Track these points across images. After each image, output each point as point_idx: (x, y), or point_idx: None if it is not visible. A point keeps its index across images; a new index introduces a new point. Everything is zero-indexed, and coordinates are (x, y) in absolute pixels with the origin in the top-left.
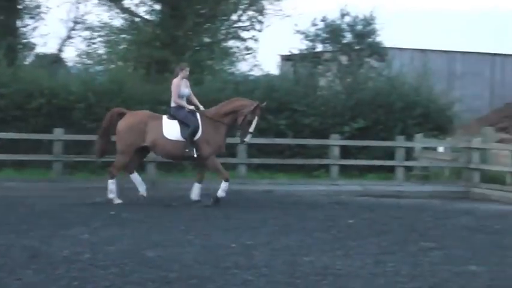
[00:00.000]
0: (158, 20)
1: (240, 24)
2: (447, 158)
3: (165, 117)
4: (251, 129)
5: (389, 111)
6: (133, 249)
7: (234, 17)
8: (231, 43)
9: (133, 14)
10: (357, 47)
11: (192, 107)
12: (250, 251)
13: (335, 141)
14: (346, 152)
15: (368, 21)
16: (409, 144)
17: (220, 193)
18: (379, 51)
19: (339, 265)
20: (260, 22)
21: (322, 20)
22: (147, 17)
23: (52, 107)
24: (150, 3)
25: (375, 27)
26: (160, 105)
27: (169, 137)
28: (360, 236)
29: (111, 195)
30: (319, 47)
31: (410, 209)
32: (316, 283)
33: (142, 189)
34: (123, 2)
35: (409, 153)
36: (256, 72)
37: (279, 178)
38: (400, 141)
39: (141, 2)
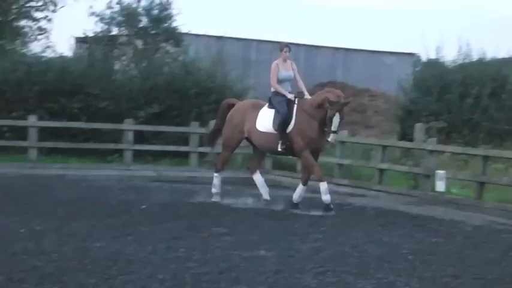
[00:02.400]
0: None
1: (33, 4)
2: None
3: (265, 106)
4: (333, 128)
5: (184, 97)
6: None
7: None
8: (23, 23)
9: None
10: (153, 32)
11: (291, 96)
12: (40, 236)
13: (129, 126)
14: (140, 137)
15: (164, 6)
16: (203, 130)
17: (324, 198)
18: (175, 37)
19: (130, 251)
20: (54, 3)
21: (118, 3)
22: None
23: None
24: None
25: (171, 12)
26: None
27: (260, 129)
28: (152, 222)
29: (213, 190)
30: (115, 30)
31: (202, 194)
32: (106, 269)
33: (264, 191)
34: None
35: (203, 139)
36: (50, 54)
37: (72, 162)
38: (194, 127)
39: None
